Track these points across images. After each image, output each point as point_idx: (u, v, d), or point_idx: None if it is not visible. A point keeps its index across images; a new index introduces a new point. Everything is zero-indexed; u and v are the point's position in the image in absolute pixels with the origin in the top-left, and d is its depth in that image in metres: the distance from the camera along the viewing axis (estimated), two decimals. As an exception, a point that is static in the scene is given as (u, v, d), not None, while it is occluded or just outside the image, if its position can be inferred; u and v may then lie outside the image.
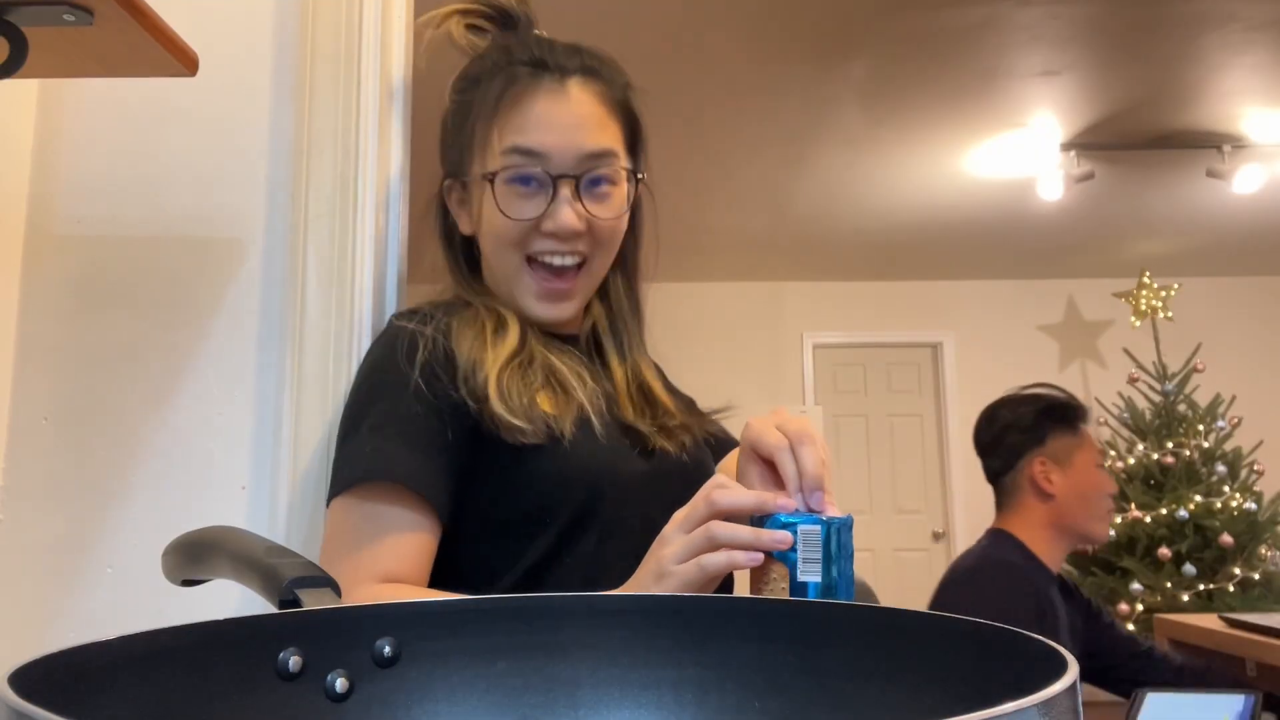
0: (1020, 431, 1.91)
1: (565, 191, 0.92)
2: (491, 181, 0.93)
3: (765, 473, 0.79)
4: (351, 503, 0.87)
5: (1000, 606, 1.71)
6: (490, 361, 0.90)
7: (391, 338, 0.94)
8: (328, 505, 0.89)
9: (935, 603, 1.86)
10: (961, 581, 1.84)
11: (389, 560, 0.84)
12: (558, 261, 0.95)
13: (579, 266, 0.97)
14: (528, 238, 0.94)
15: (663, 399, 1.02)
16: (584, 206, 0.93)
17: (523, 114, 0.92)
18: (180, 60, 0.87)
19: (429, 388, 0.87)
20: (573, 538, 0.88)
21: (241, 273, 1.11)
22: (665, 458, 0.95)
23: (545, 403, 0.91)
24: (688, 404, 1.09)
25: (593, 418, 0.91)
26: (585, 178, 0.93)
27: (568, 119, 0.92)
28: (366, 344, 1.12)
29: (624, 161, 0.97)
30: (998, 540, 1.89)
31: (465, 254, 1.05)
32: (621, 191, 0.97)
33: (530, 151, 0.92)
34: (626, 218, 1.00)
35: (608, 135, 0.95)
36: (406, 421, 0.87)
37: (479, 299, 0.99)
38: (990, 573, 1.81)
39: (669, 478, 0.94)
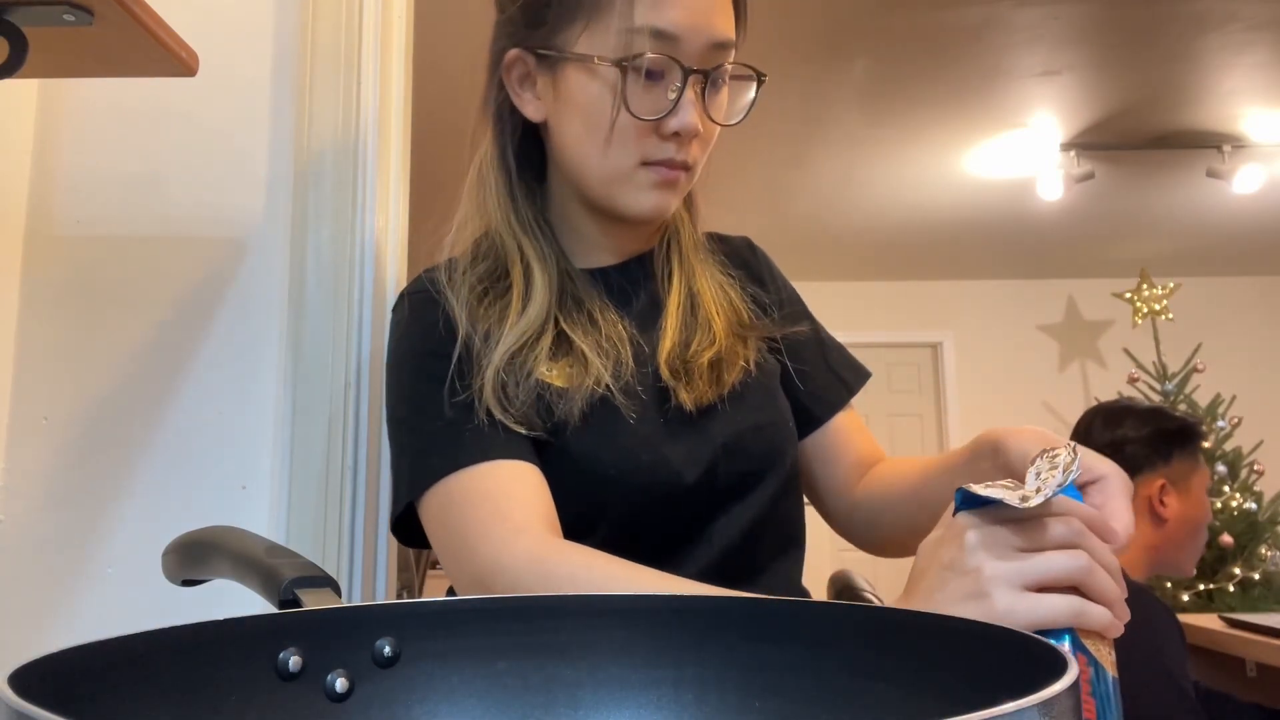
0: (1145, 445, 1.78)
1: (692, 91, 0.82)
2: (624, 70, 0.80)
3: None
4: (445, 497, 0.82)
5: (1157, 639, 1.54)
6: (497, 355, 0.83)
7: (413, 315, 0.90)
8: (420, 496, 0.83)
9: None
10: None
11: (532, 502, 0.79)
12: (669, 155, 0.85)
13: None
14: (644, 138, 0.83)
15: (711, 317, 0.91)
16: (705, 108, 0.84)
17: None
18: (180, 60, 0.87)
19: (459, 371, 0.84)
20: (579, 532, 0.83)
21: (241, 273, 1.11)
22: (690, 422, 0.86)
23: (559, 377, 0.85)
24: (755, 313, 0.97)
25: (614, 391, 0.83)
26: (711, 75, 0.83)
27: None
28: (366, 344, 1.12)
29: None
30: None
31: (522, 147, 0.92)
32: (727, 88, 0.88)
33: (666, 35, 0.80)
34: (739, 119, 0.89)
35: (731, 18, 0.84)
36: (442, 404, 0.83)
37: (513, 240, 0.89)
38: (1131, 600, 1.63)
39: (692, 461, 0.85)
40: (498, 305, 0.87)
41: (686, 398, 0.86)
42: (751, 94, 0.88)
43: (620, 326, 0.89)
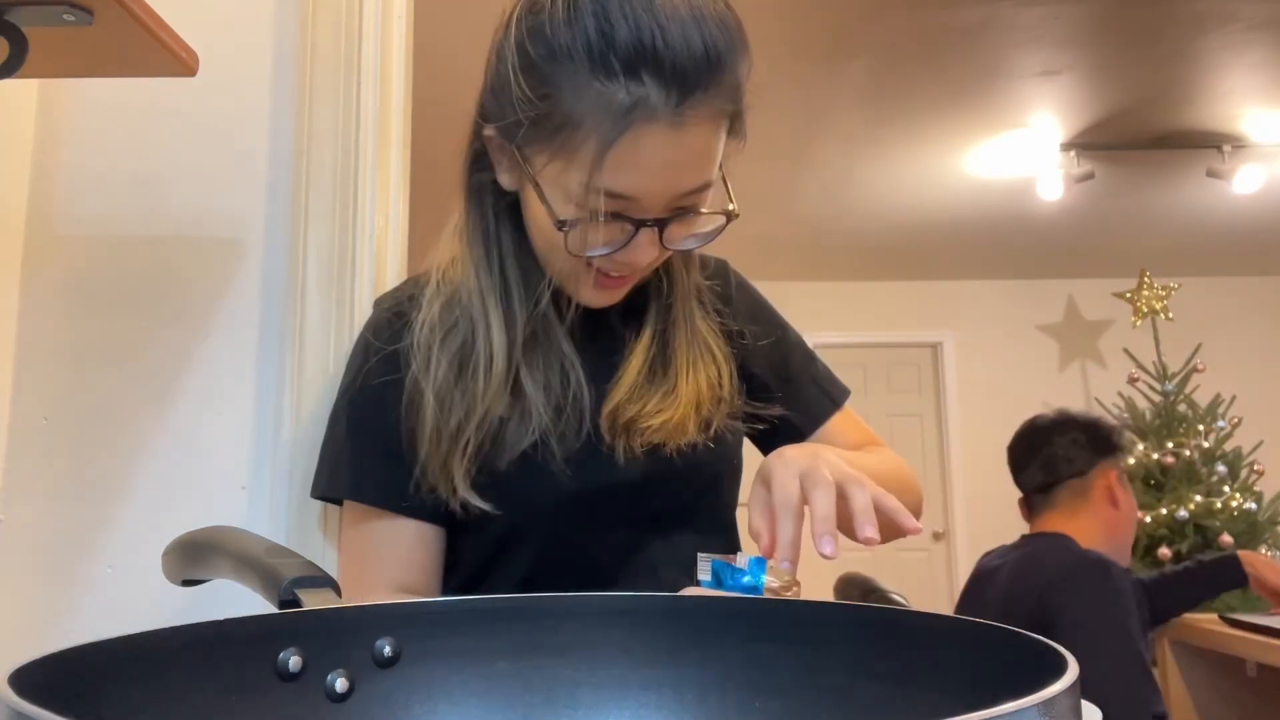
0: (1101, 439, 1.94)
1: (646, 235, 0.80)
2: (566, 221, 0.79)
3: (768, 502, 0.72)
4: (347, 518, 0.91)
5: (1120, 607, 1.65)
6: (444, 442, 0.84)
7: (362, 347, 0.92)
8: (333, 499, 0.95)
9: (1032, 612, 1.71)
10: (1060, 586, 1.71)
11: (394, 569, 0.87)
12: (616, 273, 0.86)
13: None
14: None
15: (678, 380, 0.90)
16: (661, 240, 0.82)
17: (623, 156, 0.75)
18: (180, 60, 0.87)
19: (388, 407, 0.87)
20: (503, 555, 0.87)
21: (241, 273, 1.11)
22: (632, 467, 0.88)
23: (508, 410, 0.86)
24: (735, 386, 0.95)
25: (551, 436, 0.85)
26: (673, 219, 0.81)
27: (675, 158, 0.77)
28: (366, 344, 1.12)
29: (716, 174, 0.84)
30: (1066, 542, 1.82)
31: (497, 198, 0.90)
32: (694, 217, 0.85)
33: (622, 196, 0.77)
34: (699, 245, 0.88)
35: (711, 164, 0.81)
36: (373, 434, 0.88)
37: (480, 302, 0.87)
38: (1096, 571, 1.71)
39: (623, 494, 0.88)
40: (459, 376, 0.86)
41: (620, 456, 0.87)
42: (721, 222, 0.86)
43: (576, 371, 0.88)
